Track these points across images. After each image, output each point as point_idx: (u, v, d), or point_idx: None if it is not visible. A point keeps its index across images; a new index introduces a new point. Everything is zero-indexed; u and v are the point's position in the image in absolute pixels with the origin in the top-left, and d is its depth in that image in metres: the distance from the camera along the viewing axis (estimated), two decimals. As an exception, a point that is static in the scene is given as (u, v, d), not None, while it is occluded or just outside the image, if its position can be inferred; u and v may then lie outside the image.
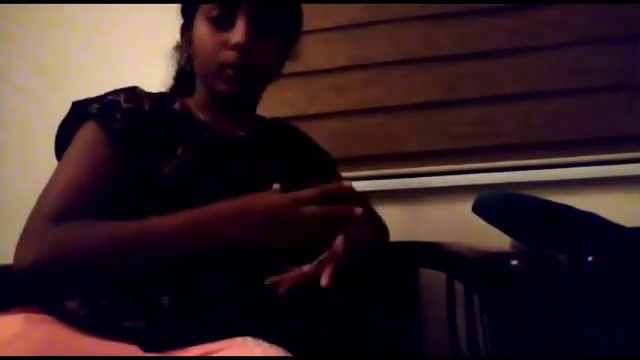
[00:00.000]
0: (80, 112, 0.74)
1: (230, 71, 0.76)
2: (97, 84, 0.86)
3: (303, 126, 0.99)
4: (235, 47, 0.74)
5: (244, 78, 0.77)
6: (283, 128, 0.96)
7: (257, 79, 0.81)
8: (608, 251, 0.76)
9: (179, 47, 0.89)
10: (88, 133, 0.72)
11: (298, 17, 0.86)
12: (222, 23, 0.76)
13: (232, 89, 0.78)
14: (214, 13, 0.76)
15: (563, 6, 1.21)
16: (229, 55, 0.75)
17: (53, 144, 0.77)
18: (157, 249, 0.63)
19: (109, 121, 0.72)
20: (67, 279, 0.62)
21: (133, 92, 0.78)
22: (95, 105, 0.74)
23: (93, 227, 0.64)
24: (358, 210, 0.65)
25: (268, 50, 0.79)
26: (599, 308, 0.74)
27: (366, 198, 1.01)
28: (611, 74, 1.18)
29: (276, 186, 0.68)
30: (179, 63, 0.90)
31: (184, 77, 0.88)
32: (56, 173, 0.70)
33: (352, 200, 0.67)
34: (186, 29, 0.84)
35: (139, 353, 0.61)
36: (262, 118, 0.93)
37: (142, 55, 1.39)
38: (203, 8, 0.78)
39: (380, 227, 0.98)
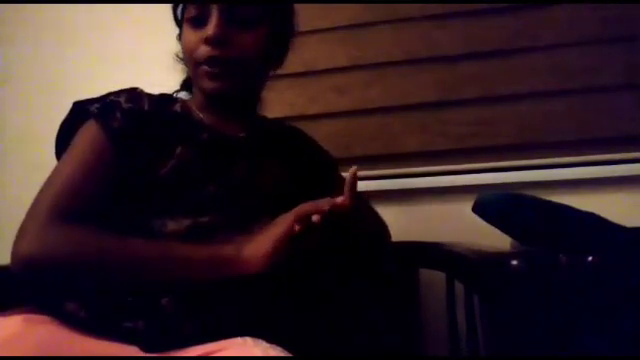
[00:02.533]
0: (81, 112, 0.75)
1: (206, 67, 0.76)
2: (98, 85, 0.86)
3: (303, 126, 0.99)
4: (207, 41, 0.75)
5: (222, 72, 0.77)
6: (285, 129, 0.95)
7: (237, 72, 0.79)
8: (608, 251, 0.76)
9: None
10: (89, 132, 0.73)
11: (282, 6, 0.85)
12: (199, 22, 0.77)
13: (213, 85, 0.77)
14: (192, 14, 0.77)
15: (563, 6, 1.21)
16: (204, 50, 0.76)
17: (53, 145, 0.78)
18: (173, 272, 0.67)
19: (109, 120, 0.73)
20: (68, 277, 0.63)
21: (133, 93, 0.79)
22: (96, 105, 0.75)
23: (106, 235, 0.66)
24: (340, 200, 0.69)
25: (245, 41, 0.77)
26: (599, 308, 0.74)
27: (359, 196, 1.01)
28: (611, 74, 1.18)
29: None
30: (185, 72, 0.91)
31: (187, 81, 0.89)
32: (57, 170, 0.71)
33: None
34: (180, 36, 0.84)
35: (139, 354, 0.61)
36: (264, 119, 0.93)
37: (143, 56, 1.39)
38: (186, 12, 0.79)
39: (381, 224, 0.98)
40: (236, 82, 0.79)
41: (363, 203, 0.99)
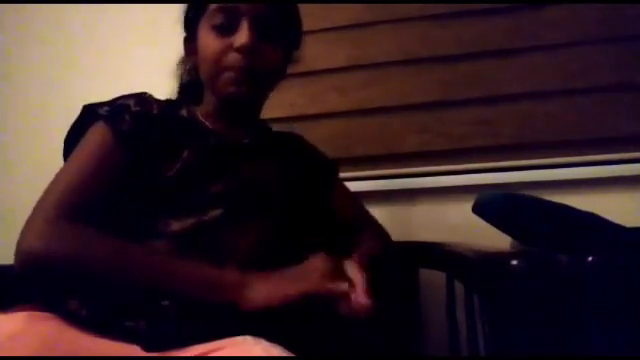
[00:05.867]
0: (90, 114, 0.76)
1: (234, 73, 0.77)
2: (98, 85, 0.86)
3: (303, 126, 1.00)
4: (239, 49, 0.76)
5: (249, 80, 0.78)
6: (287, 137, 0.97)
7: (261, 81, 0.82)
8: (608, 251, 0.76)
9: (183, 62, 0.90)
10: (98, 133, 0.74)
11: (298, 24, 0.87)
12: (226, 29, 0.77)
13: (237, 91, 0.78)
14: (218, 21, 0.77)
15: (563, 6, 1.21)
16: (233, 58, 0.76)
17: (54, 146, 0.79)
18: (169, 289, 0.65)
19: (118, 122, 0.74)
20: (69, 277, 0.64)
21: (142, 97, 0.80)
22: (105, 108, 0.76)
23: (110, 240, 0.66)
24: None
25: (271, 53, 0.80)
26: (599, 308, 0.74)
27: (359, 201, 1.01)
28: (611, 74, 1.18)
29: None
30: (182, 78, 0.91)
31: (190, 88, 0.89)
32: (64, 169, 0.72)
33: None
34: (189, 41, 0.85)
35: (140, 353, 0.61)
36: (267, 127, 0.94)
37: (144, 56, 1.39)
38: (206, 17, 0.79)
39: (379, 232, 0.97)
40: (256, 91, 0.83)
41: (362, 210, 0.99)
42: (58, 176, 0.70)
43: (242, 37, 0.75)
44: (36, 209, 0.66)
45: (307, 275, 0.66)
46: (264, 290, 0.65)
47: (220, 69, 0.78)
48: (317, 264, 0.68)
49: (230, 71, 0.77)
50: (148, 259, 0.66)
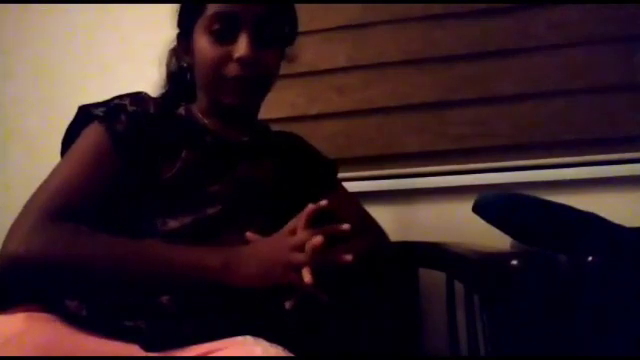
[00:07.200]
0: (86, 115, 0.75)
1: (234, 84, 0.77)
2: (97, 87, 0.86)
3: (303, 126, 1.00)
4: (239, 60, 0.75)
5: (249, 89, 0.78)
6: (286, 136, 0.96)
7: (260, 89, 0.82)
8: (608, 251, 0.76)
9: (174, 51, 0.88)
10: (92, 134, 0.73)
11: (294, 22, 0.86)
12: (223, 36, 0.76)
13: (236, 100, 0.78)
14: (215, 26, 0.76)
15: (563, 6, 1.21)
16: (232, 68, 0.76)
17: (51, 146, 0.78)
18: (156, 277, 0.65)
19: (114, 123, 0.73)
20: (55, 278, 0.63)
21: (138, 97, 0.79)
22: (101, 108, 0.75)
23: (93, 235, 0.65)
24: (345, 226, 0.66)
25: (270, 60, 0.79)
26: (599, 308, 0.74)
27: (359, 202, 1.01)
28: (611, 74, 1.18)
29: (249, 234, 0.72)
30: (169, 66, 0.90)
31: (182, 84, 0.88)
32: (56, 170, 0.71)
33: (338, 215, 0.69)
34: (183, 38, 0.83)
35: (140, 352, 0.61)
36: (266, 126, 0.94)
37: (141, 58, 1.39)
38: (203, 20, 0.77)
39: (378, 232, 0.97)
40: (257, 98, 0.83)
41: (362, 211, 0.99)
42: (48, 178, 0.69)
43: (242, 48, 0.74)
44: (22, 212, 0.65)
45: (277, 240, 0.68)
46: (240, 265, 0.66)
47: (219, 79, 0.77)
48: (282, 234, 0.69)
49: (230, 82, 0.77)
50: (130, 246, 0.66)
